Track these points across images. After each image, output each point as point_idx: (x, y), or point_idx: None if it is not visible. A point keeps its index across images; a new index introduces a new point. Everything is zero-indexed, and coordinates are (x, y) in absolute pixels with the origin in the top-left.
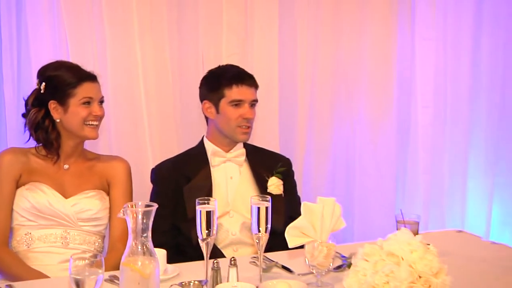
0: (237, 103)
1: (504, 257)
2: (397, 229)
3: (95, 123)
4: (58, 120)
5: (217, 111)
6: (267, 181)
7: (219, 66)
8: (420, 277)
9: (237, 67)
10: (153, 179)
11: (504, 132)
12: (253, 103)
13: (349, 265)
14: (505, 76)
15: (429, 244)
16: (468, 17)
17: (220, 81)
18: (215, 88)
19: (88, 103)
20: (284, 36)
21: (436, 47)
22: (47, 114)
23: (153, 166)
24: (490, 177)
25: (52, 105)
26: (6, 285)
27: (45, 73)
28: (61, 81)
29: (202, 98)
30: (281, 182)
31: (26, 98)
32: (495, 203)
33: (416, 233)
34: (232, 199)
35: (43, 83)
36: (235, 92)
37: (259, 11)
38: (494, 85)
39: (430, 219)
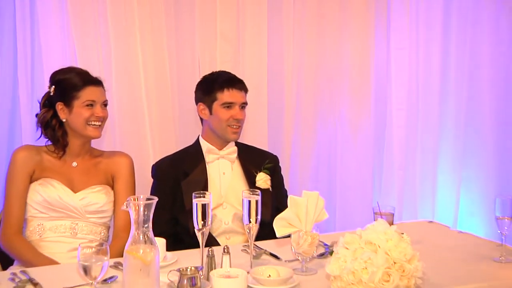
0: (228, 105)
1: (469, 244)
2: (374, 220)
3: (97, 123)
4: (64, 120)
5: (210, 113)
6: (255, 176)
7: (212, 72)
8: (395, 263)
9: (229, 73)
10: (154, 174)
11: (469, 132)
12: (243, 105)
13: (331, 253)
14: (471, 81)
15: (403, 233)
16: (437, 29)
17: (213, 86)
18: (208, 92)
19: (91, 105)
20: (272, 44)
21: (409, 56)
22: (55, 114)
23: (154, 163)
24: (458, 172)
25: (59, 106)
26: (21, 271)
27: (55, 77)
28: (68, 84)
29: (197, 100)
30: (268, 177)
31: (39, 100)
32: (462, 196)
33: (391, 223)
34: (225, 192)
35: (53, 86)
36: (226, 95)
37: (249, 22)
38: (461, 89)
39: (404, 211)
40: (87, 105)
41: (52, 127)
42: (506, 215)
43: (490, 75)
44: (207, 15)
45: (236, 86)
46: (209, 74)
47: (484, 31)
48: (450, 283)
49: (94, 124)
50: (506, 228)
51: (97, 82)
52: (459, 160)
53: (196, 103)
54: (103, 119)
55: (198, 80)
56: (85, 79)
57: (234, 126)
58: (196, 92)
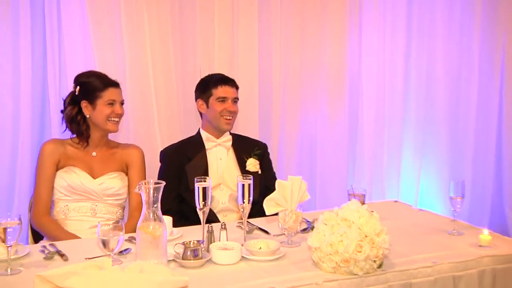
0: (222, 99)
1: (428, 220)
2: (348, 200)
3: (116, 119)
4: (88, 116)
5: (207, 107)
6: (246, 161)
7: (208, 74)
8: (366, 236)
9: (221, 74)
10: (162, 159)
11: (427, 126)
12: (235, 100)
13: (313, 228)
14: (428, 83)
15: (372, 211)
16: (401, 37)
17: (209, 84)
18: (205, 89)
19: (111, 104)
20: (262, 51)
21: (377, 62)
22: (80, 111)
23: (162, 149)
24: (418, 160)
25: (84, 104)
26: (50, 244)
27: (79, 79)
28: (91, 86)
29: (196, 98)
30: (257, 162)
31: (64, 98)
32: (422, 180)
33: (362, 203)
34: (221, 175)
35: (78, 87)
36: (220, 91)
37: (242, 34)
38: (420, 90)
39: (373, 192)
40: (109, 104)
41: (77, 122)
42: (458, 195)
43: (444, 77)
44: (206, 29)
45: (228, 83)
46: (205, 76)
47: (439, 37)
48: (412, 253)
49: (113, 120)
50: (458, 206)
51: (116, 84)
52: (419, 149)
53: (196, 100)
54: (121, 116)
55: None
56: (106, 81)
57: (227, 117)
58: (195, 91)
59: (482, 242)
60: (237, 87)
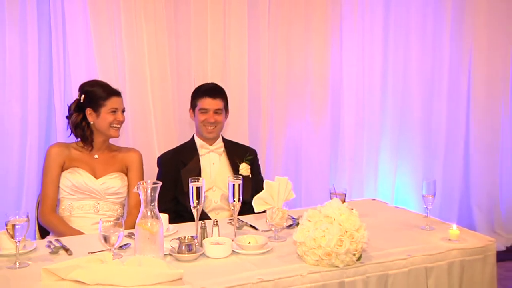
0: (204, 111)
1: (403, 217)
2: (330, 199)
3: (118, 126)
4: (92, 123)
5: (194, 116)
6: (239, 166)
7: (199, 85)
8: (346, 232)
9: (210, 84)
10: (159, 164)
11: (402, 130)
12: (217, 111)
13: (297, 224)
14: (403, 93)
15: (352, 209)
16: (379, 51)
17: (195, 95)
18: (192, 100)
19: (114, 112)
20: (251, 62)
21: (357, 72)
22: (84, 117)
23: (159, 155)
24: (394, 162)
25: (88, 111)
26: (55, 239)
27: (84, 88)
28: (96, 95)
29: (190, 107)
30: (249, 166)
31: (69, 105)
32: (397, 179)
33: (343, 201)
34: (214, 178)
35: (83, 95)
36: (202, 102)
37: (233, 45)
38: (396, 99)
39: (353, 191)
40: (111, 112)
41: (82, 128)
42: (430, 193)
43: (418, 86)
44: (200, 40)
45: (210, 95)
46: (197, 86)
47: (413, 49)
48: (388, 246)
49: (115, 127)
50: (430, 203)
51: (118, 93)
52: (395, 152)
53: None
54: (122, 123)
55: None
56: (109, 90)
57: (209, 127)
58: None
59: (451, 236)
60: (221, 98)
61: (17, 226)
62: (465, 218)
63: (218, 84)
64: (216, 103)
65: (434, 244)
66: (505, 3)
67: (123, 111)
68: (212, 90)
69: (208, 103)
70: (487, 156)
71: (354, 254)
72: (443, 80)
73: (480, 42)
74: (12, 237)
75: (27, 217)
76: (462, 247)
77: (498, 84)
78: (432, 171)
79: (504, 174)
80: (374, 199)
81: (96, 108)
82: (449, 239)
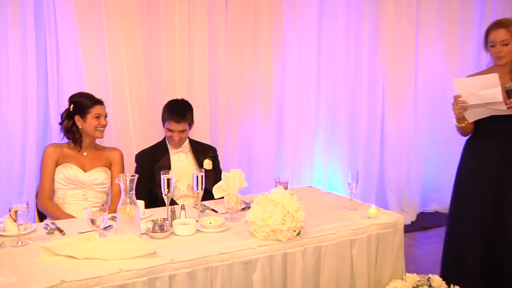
0: (170, 130)
1: (333, 199)
2: (275, 186)
3: (102, 129)
4: (80, 127)
5: (164, 128)
6: (202, 161)
7: (166, 104)
8: (288, 213)
9: (178, 105)
10: (136, 160)
11: (333, 132)
12: (181, 131)
13: (249, 207)
14: (333, 102)
15: (293, 194)
16: (313, 66)
17: (164, 114)
18: (163, 116)
19: (98, 117)
20: (211, 77)
21: (296, 84)
22: (74, 123)
23: (137, 153)
24: (326, 156)
25: (77, 118)
26: (51, 222)
27: (73, 99)
28: (83, 104)
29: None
30: (211, 162)
31: (61, 113)
32: (329, 171)
33: (286, 188)
34: (182, 173)
35: (72, 105)
36: (168, 125)
37: (197, 61)
38: (328, 106)
39: (294, 180)
40: (96, 117)
41: (72, 131)
42: (354, 181)
43: (344, 97)
44: (169, 59)
45: (175, 120)
46: (165, 105)
47: (341, 68)
48: (321, 223)
49: (99, 129)
50: (354, 189)
51: (101, 102)
52: (327, 148)
53: None
54: (105, 126)
55: (165, 101)
56: (93, 100)
57: (174, 142)
58: None
59: (370, 214)
60: (185, 121)
61: (19, 212)
62: (380, 199)
63: (184, 97)
64: (180, 126)
65: (357, 221)
66: (406, 27)
67: (105, 116)
68: (177, 115)
69: (173, 126)
70: (397, 150)
71: (294, 231)
72: (364, 90)
73: (389, 59)
74: (15, 221)
75: (27, 204)
76: (378, 223)
77: (404, 92)
78: (355, 163)
79: (410, 163)
80: (310, 187)
81: (83, 115)
82: (368, 217)
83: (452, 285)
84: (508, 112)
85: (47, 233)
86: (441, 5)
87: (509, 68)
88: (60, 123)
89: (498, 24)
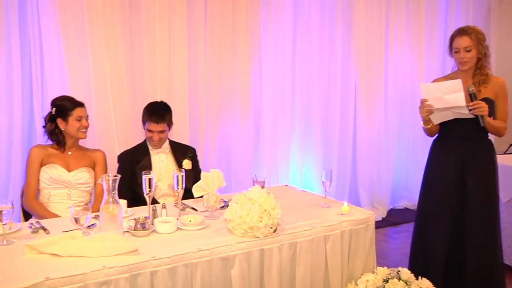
0: (149, 131)
1: (307, 197)
2: (253, 185)
3: (84, 130)
4: (63, 129)
5: (144, 130)
6: (182, 161)
7: (147, 106)
8: (265, 210)
9: (157, 106)
10: (119, 161)
11: (308, 133)
12: (161, 132)
13: (228, 206)
14: (308, 104)
15: (269, 193)
16: (289, 70)
17: (144, 115)
18: (143, 117)
19: (79, 119)
20: (191, 82)
21: (272, 87)
22: (56, 126)
23: (119, 153)
24: (301, 156)
25: (59, 121)
26: (36, 221)
27: (55, 102)
28: (64, 107)
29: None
30: (190, 162)
31: (44, 117)
32: (304, 170)
33: (263, 187)
34: (162, 172)
35: (54, 108)
36: (148, 125)
37: (177, 66)
38: (303, 108)
39: (270, 180)
40: (77, 119)
41: (56, 134)
42: (328, 179)
43: (318, 97)
44: (151, 64)
45: (154, 121)
46: (146, 106)
47: (315, 72)
48: (296, 220)
49: (82, 130)
50: (328, 187)
51: (82, 104)
52: (302, 148)
53: None
54: (87, 127)
55: (146, 104)
56: (74, 103)
57: (153, 143)
58: None
59: (343, 211)
60: (164, 121)
61: (4, 212)
62: (353, 197)
63: (165, 100)
64: (160, 127)
65: (331, 218)
66: (377, 32)
67: (87, 118)
68: (156, 116)
69: (153, 127)
70: (369, 150)
71: (271, 228)
72: (337, 92)
73: (361, 62)
74: (0, 221)
75: (12, 204)
76: (350, 219)
77: (375, 95)
78: (329, 162)
79: (381, 163)
80: (286, 185)
81: (65, 118)
82: (342, 214)
83: (420, 277)
84: (470, 116)
85: (31, 232)
86: (409, 12)
87: (472, 72)
88: (43, 126)
89: (461, 32)
